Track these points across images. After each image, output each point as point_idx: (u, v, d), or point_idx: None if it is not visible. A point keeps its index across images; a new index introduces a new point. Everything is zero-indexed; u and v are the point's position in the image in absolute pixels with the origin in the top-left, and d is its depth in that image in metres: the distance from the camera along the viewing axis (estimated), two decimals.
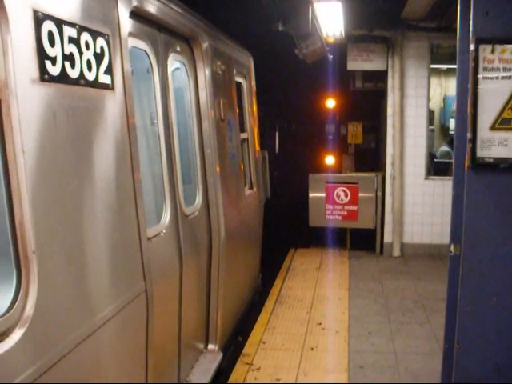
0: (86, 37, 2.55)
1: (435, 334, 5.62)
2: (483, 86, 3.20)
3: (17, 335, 2.01)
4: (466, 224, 3.33)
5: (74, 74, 2.45)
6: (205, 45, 4.60)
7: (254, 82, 6.93)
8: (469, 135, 3.27)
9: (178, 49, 4.24)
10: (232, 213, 5.25)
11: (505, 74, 3.18)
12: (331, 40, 7.27)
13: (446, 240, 3.87)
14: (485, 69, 3.19)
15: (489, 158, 3.26)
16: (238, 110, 5.95)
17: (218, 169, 4.75)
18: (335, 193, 9.05)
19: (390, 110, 8.72)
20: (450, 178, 3.66)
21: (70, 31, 2.42)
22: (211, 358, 4.79)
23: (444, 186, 8.48)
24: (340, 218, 9.09)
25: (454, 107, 11.99)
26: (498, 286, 3.27)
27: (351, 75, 10.02)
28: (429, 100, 8.95)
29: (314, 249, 9.34)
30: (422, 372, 4.84)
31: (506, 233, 3.29)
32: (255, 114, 7.00)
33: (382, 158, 9.59)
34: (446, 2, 6.68)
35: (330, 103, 11.48)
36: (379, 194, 8.94)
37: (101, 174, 2.73)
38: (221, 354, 4.92)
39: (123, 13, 3.02)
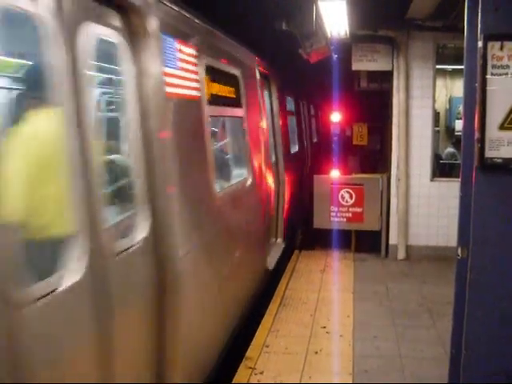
0: None
1: (441, 338, 5.51)
2: (492, 85, 3.11)
3: None
4: (473, 226, 3.23)
5: None
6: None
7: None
8: (477, 135, 3.17)
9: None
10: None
11: None
12: (335, 39, 7.20)
13: (452, 242, 3.77)
14: (493, 66, 3.09)
15: (497, 158, 3.16)
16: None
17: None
18: (340, 194, 8.96)
19: (395, 111, 8.62)
20: (457, 179, 3.57)
21: None
22: None
23: (450, 188, 8.36)
24: (345, 219, 8.98)
25: (459, 108, 11.94)
26: (508, 291, 3.17)
27: (356, 76, 9.94)
28: (434, 101, 8.85)
29: (318, 251, 9.24)
30: (428, 378, 4.74)
31: None
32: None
33: (387, 159, 9.50)
34: (452, 0, 6.58)
35: (335, 104, 11.42)
36: (384, 195, 8.84)
37: None
38: None
39: None
